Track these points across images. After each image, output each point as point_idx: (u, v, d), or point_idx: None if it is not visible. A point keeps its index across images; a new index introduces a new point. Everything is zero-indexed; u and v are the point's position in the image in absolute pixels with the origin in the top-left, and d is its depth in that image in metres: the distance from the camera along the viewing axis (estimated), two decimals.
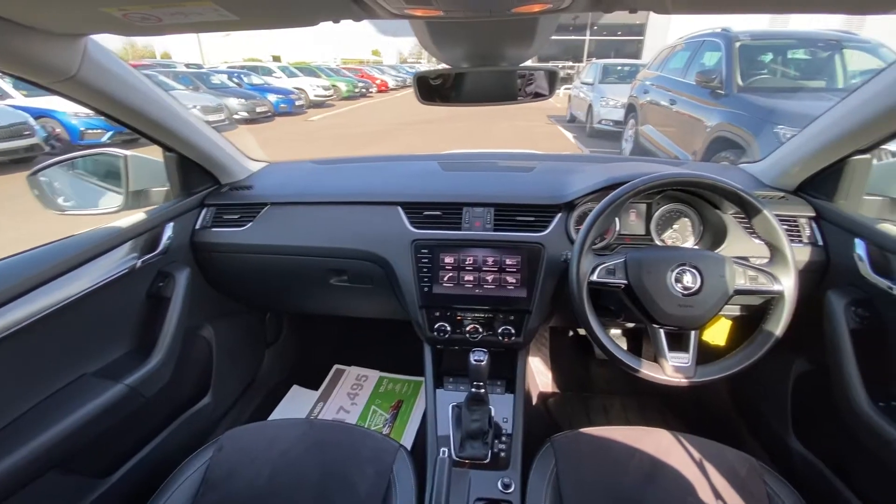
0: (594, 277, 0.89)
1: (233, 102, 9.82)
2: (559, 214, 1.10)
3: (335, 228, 1.17)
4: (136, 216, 1.05)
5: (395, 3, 0.52)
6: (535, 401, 1.60)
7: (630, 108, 6.22)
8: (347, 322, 1.86)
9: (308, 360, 1.79)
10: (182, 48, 23.86)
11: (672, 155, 4.56)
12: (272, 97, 11.46)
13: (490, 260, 1.09)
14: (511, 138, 8.39)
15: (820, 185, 1.05)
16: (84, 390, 0.89)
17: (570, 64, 19.26)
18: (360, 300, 1.33)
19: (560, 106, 11.71)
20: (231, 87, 10.96)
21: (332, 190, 1.24)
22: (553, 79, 0.84)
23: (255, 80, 12.72)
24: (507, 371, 1.16)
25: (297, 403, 1.59)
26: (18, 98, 6.75)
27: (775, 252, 0.87)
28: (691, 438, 0.95)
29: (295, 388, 1.64)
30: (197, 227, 1.20)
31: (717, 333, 1.09)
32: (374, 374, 1.71)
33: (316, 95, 13.74)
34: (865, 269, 0.90)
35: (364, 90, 17.90)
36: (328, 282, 1.22)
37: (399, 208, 1.15)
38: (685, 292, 0.85)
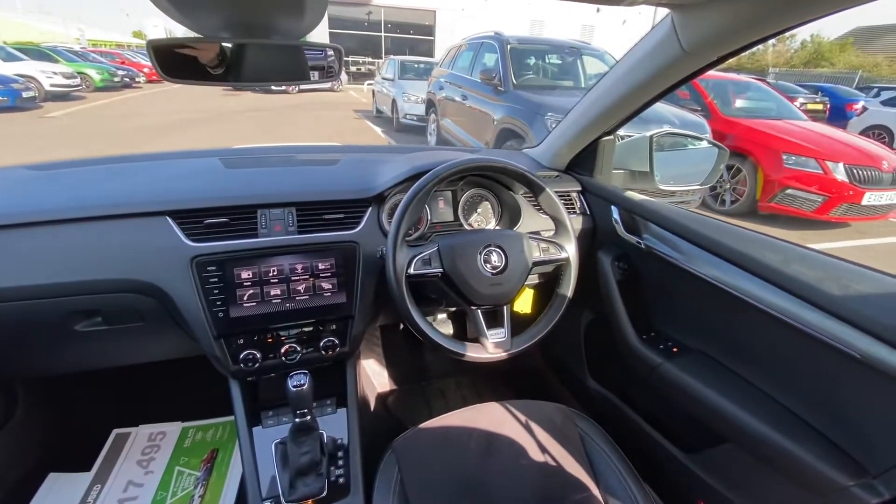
0: (412, 270, 0.86)
1: None
2: (370, 208, 1.03)
3: (73, 255, 0.85)
4: None
5: None
6: (373, 405, 1.53)
7: (430, 104, 6.62)
8: (122, 373, 1.45)
9: (69, 433, 1.34)
10: None
11: (469, 145, 5.03)
12: None
13: (299, 267, 0.95)
14: (320, 133, 8.02)
15: (583, 163, 1.24)
16: None
17: (370, 59, 19.53)
18: (127, 345, 1.03)
19: (365, 101, 11.78)
20: None
21: (64, 203, 0.89)
22: (337, 57, 0.75)
23: None
24: (336, 385, 1.06)
25: (58, 497, 1.16)
26: None
27: (558, 224, 0.99)
28: (517, 403, 1.02)
29: (52, 476, 1.20)
30: None
31: (524, 303, 1.20)
32: (173, 427, 1.37)
33: (53, 85, 10.57)
34: (620, 229, 1.10)
35: (127, 80, 14.69)
36: (72, 329, 0.90)
37: (168, 218, 0.89)
38: (494, 271, 0.90)
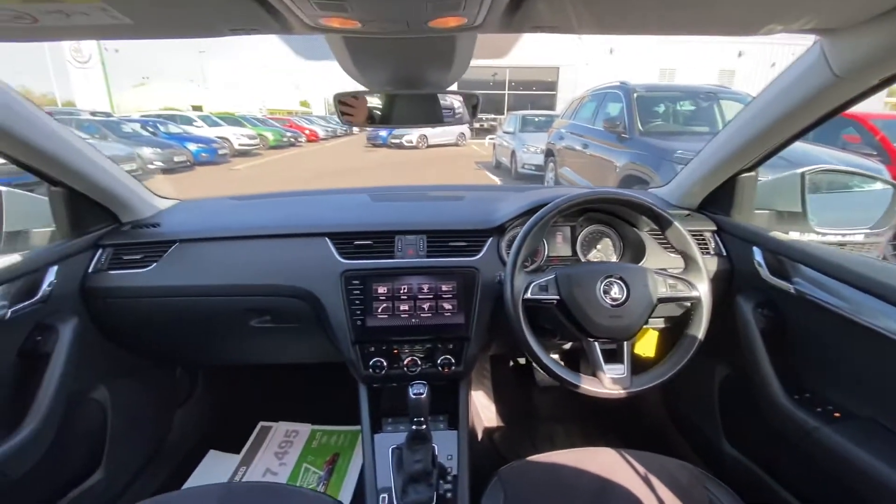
0: (528, 295, 0.89)
1: (147, 152, 9.14)
2: (490, 239, 1.11)
3: (255, 264, 1.08)
4: (8, 258, 0.90)
5: (310, 12, 0.50)
6: (480, 435, 1.53)
7: (549, 153, 6.72)
8: (273, 373, 1.69)
9: (228, 419, 1.59)
10: (88, 97, 22.31)
11: None
12: (192, 146, 10.90)
13: (425, 287, 1.05)
14: (444, 180, 8.65)
15: (718, 202, 1.17)
16: None
17: (493, 116, 20.68)
18: (285, 343, 1.22)
19: (485, 153, 12.40)
20: (145, 136, 10.29)
21: (252, 224, 1.15)
22: (474, 103, 0.86)
23: (173, 129, 12.08)
24: (449, 405, 1.11)
25: (214, 471, 1.38)
26: None
27: (688, 260, 0.94)
28: (634, 454, 0.95)
29: (212, 453, 1.44)
30: (90, 270, 1.05)
31: (647, 345, 1.13)
32: (305, 428, 1.55)
33: (241, 145, 13.33)
34: (765, 272, 0.99)
35: (293, 140, 17.71)
36: (248, 324, 1.11)
37: (326, 239, 1.09)
38: (614, 303, 0.88)
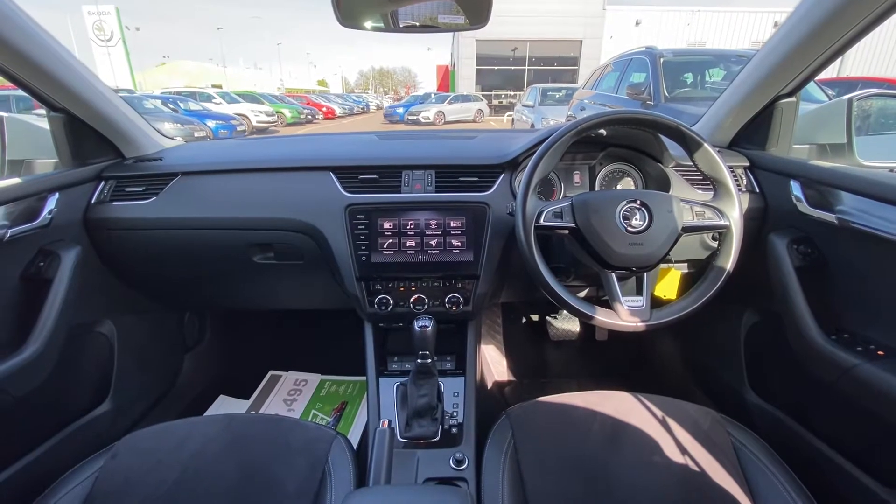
0: (541, 221, 0.83)
1: (167, 127, 9.23)
2: (503, 174, 1.04)
3: (257, 196, 1.04)
4: (8, 181, 0.88)
5: None
6: (489, 386, 1.50)
7: None
8: (282, 322, 1.68)
9: (238, 366, 1.60)
10: (111, 75, 22.62)
11: None
12: (211, 123, 10.96)
13: (433, 223, 1.00)
14: None
15: (752, 136, 1.07)
16: None
17: (512, 92, 20.20)
18: (290, 283, 1.20)
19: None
20: (166, 112, 10.39)
21: (255, 157, 1.11)
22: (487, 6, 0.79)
23: (193, 105, 12.17)
24: (457, 345, 1.07)
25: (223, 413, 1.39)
26: None
27: (719, 186, 0.86)
28: (651, 397, 0.89)
29: (222, 397, 1.44)
30: (93, 201, 1.03)
31: (669, 286, 1.05)
32: (314, 378, 1.54)
33: (259, 122, 13.35)
34: (804, 206, 0.91)
35: (310, 117, 17.68)
36: (251, 260, 1.08)
37: (331, 173, 1.04)
38: (634, 230, 0.81)
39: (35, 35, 0.80)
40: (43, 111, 0.99)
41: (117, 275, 1.12)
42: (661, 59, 4.32)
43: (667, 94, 4.09)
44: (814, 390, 0.90)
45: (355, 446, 1.26)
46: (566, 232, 0.84)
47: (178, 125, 9.64)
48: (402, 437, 0.89)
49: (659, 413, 0.86)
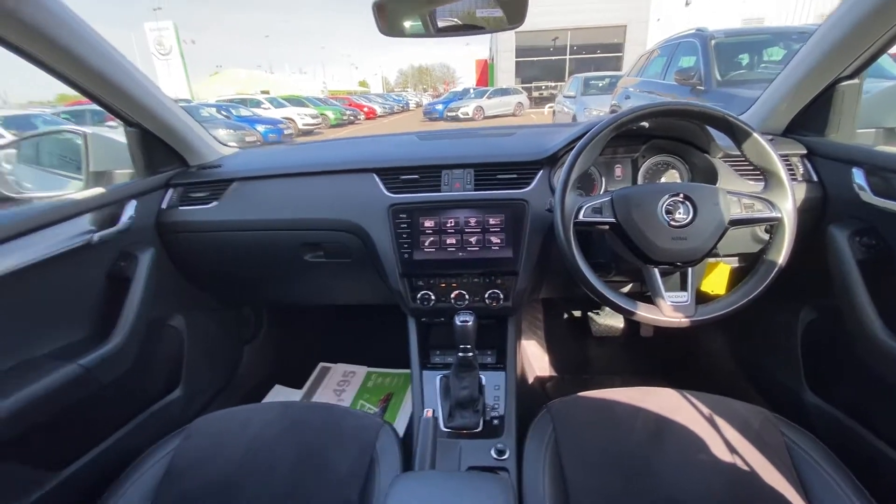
0: (580, 217, 0.83)
1: (221, 133, 9.82)
2: (542, 171, 1.05)
3: (306, 199, 1.11)
4: (94, 190, 0.99)
5: None
6: (530, 381, 1.51)
7: None
8: (332, 316, 1.77)
9: (291, 358, 1.70)
10: (170, 86, 24.26)
11: None
12: (261, 127, 11.55)
13: (472, 220, 1.02)
14: None
15: (809, 122, 1.01)
16: (29, 368, 0.81)
17: (553, 83, 19.73)
18: (339, 280, 1.26)
19: (544, 122, 11.92)
20: (220, 119, 11.06)
21: (303, 162, 1.18)
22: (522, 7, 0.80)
23: (244, 112, 12.86)
24: (497, 339, 1.09)
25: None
26: (9, 138, 6.76)
27: (770, 177, 0.82)
28: (698, 395, 0.88)
29: (277, 387, 1.54)
30: (163, 207, 1.14)
31: (717, 282, 1.02)
32: (361, 370, 1.62)
33: (304, 124, 13.91)
34: (867, 195, 0.85)
35: (352, 117, 18.14)
36: (303, 258, 1.15)
37: (374, 175, 1.09)
38: (677, 224, 0.80)
39: (113, 58, 0.90)
40: (113, 123, 1.11)
41: (185, 273, 1.23)
42: (713, 41, 4.09)
43: (719, 77, 3.87)
44: (877, 389, 0.85)
45: (401, 435, 1.31)
46: (606, 227, 0.84)
47: (231, 131, 10.23)
48: (445, 427, 0.92)
49: (706, 410, 0.84)
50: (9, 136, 6.91)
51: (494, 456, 0.86)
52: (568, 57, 20.42)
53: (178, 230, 1.13)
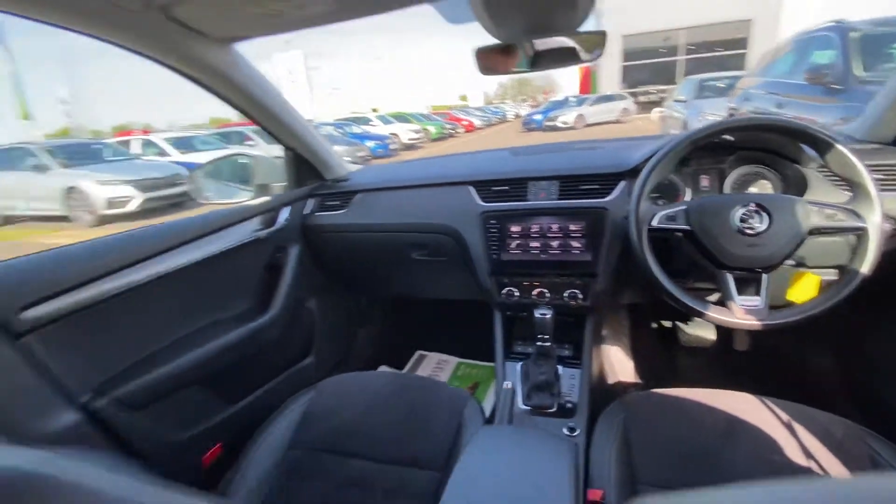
0: (654, 224, 0.91)
1: (338, 149, 10.96)
2: (623, 182, 1.13)
3: (414, 207, 1.33)
4: (262, 200, 1.32)
5: None
6: (610, 383, 1.56)
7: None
8: (429, 310, 1.98)
9: (394, 344, 1.95)
10: (297, 108, 27.68)
11: None
12: (370, 143, 12.69)
13: (555, 227, 1.15)
14: None
15: None
16: (218, 326, 1.12)
17: (662, 87, 18.43)
18: (437, 276, 1.46)
19: (652, 129, 11.23)
20: (337, 136, 12.38)
21: (413, 176, 1.41)
22: (601, 41, 0.91)
23: (356, 129, 14.24)
24: (575, 337, 1.19)
25: None
26: (175, 155, 8.38)
27: (856, 188, 0.83)
28: (777, 402, 0.89)
29: (382, 368, 1.79)
30: (306, 212, 1.45)
31: (805, 291, 1.01)
32: (453, 360, 1.80)
33: (409, 139, 14.91)
34: None
35: (452, 131, 18.90)
36: (411, 256, 1.38)
37: (470, 187, 1.27)
38: (752, 232, 0.84)
39: (279, 98, 1.20)
40: (252, 142, 1.43)
41: (320, 265, 1.53)
42: (854, 34, 3.61)
43: (860, 74, 3.41)
44: None
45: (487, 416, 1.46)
46: (680, 234, 0.91)
47: (346, 147, 11.39)
48: (522, 405, 1.05)
49: (784, 417, 0.86)
50: (177, 154, 8.57)
51: (566, 432, 0.97)
52: (679, 58, 18.93)
53: (317, 231, 1.43)
